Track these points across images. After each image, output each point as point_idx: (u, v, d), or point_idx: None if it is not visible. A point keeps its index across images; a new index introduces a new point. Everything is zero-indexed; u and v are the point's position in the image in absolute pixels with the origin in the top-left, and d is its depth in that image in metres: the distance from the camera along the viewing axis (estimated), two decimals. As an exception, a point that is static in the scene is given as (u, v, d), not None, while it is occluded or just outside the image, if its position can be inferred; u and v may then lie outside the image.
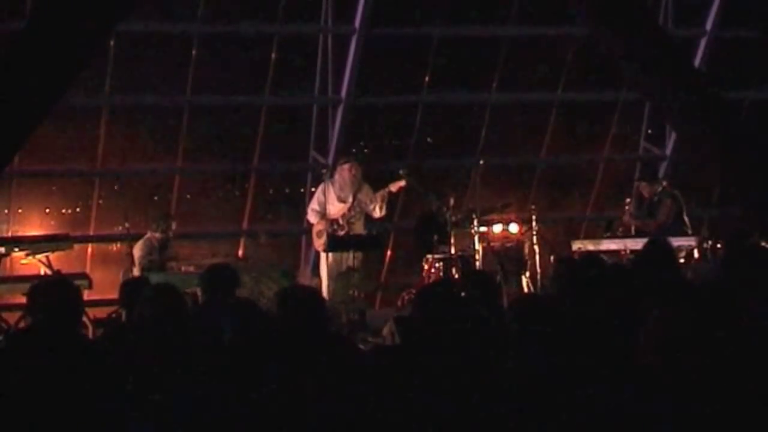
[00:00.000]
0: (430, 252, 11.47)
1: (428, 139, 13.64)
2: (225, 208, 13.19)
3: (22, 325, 9.32)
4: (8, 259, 11.01)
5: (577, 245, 11.80)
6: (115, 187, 12.64)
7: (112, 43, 11.61)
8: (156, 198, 12.86)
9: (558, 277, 6.52)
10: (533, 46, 13.46)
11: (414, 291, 9.98)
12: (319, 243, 11.72)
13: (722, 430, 3.99)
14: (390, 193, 11.69)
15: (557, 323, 4.74)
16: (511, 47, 13.24)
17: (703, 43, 13.74)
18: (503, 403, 4.39)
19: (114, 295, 8.94)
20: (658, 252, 7.19)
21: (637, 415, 4.12)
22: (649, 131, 14.22)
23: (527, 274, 11.58)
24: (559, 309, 4.99)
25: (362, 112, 13.18)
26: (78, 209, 12.68)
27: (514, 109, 13.80)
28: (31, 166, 12.03)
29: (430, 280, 10.94)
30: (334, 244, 11.38)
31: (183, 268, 11.02)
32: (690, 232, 11.70)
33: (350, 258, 11.38)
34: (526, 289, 11.41)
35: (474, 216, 11.55)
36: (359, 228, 11.72)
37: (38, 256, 10.67)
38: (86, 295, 9.30)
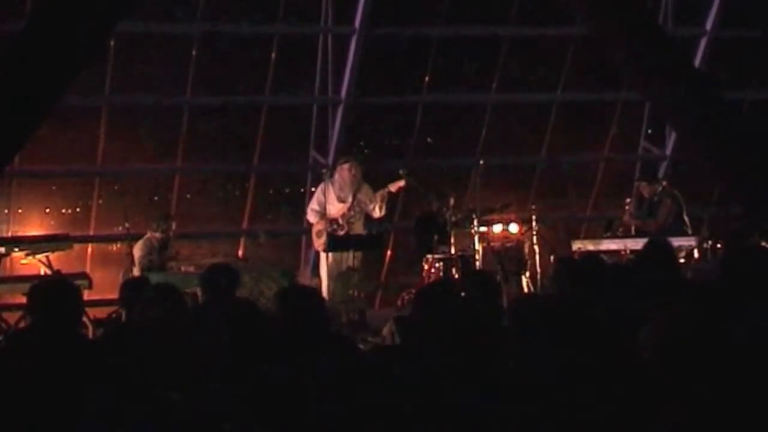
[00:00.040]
0: (430, 252, 11.47)
1: (428, 139, 13.64)
2: (225, 208, 13.19)
3: (22, 325, 9.32)
4: (8, 259, 11.01)
5: (577, 245, 11.79)
6: (115, 187, 12.63)
7: (112, 43, 11.60)
8: (156, 198, 12.86)
9: (558, 277, 6.53)
10: (533, 46, 13.46)
11: (414, 291, 9.97)
12: (319, 243, 11.72)
13: (722, 429, 3.99)
14: (390, 193, 11.69)
15: (557, 323, 4.74)
16: (511, 47, 13.24)
17: (703, 43, 13.74)
18: (503, 403, 4.39)
19: (114, 295, 8.94)
20: (658, 252, 7.19)
21: (637, 414, 4.13)
22: (649, 131, 14.22)
23: (527, 274, 11.57)
24: (559, 309, 4.99)
25: (362, 112, 13.17)
26: (78, 209, 12.68)
27: (514, 109, 13.80)
28: (31, 166, 12.02)
29: (430, 280, 10.94)
30: (334, 244, 11.38)
31: (183, 268, 11.01)
32: (690, 232, 11.70)
33: (350, 258, 11.39)
34: (526, 289, 11.41)
35: (474, 216, 11.55)
36: (359, 228, 11.72)
37: (38, 256, 10.68)
38: (86, 295, 9.30)
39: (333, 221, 11.62)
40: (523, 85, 13.64)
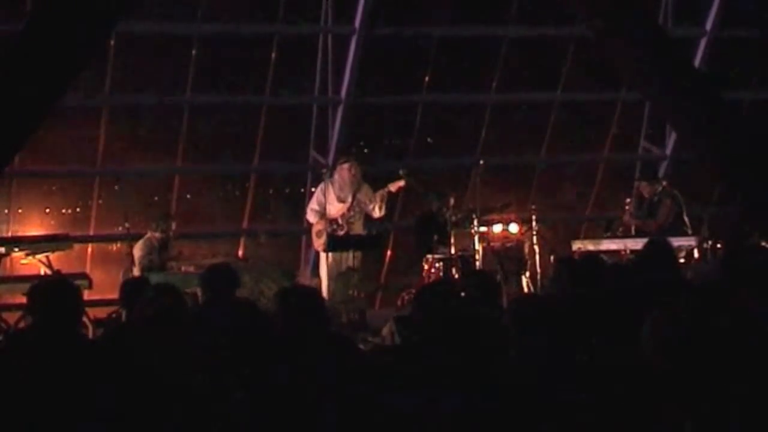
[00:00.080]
0: (430, 252, 11.47)
1: (428, 139, 13.64)
2: (225, 208, 13.19)
3: (22, 325, 9.32)
4: (8, 259, 11.01)
5: (577, 245, 11.80)
6: (115, 187, 12.63)
7: (112, 43, 11.60)
8: (156, 198, 12.86)
9: (558, 277, 6.53)
10: (533, 46, 13.46)
11: (414, 291, 9.97)
12: (318, 243, 11.72)
13: (722, 429, 3.99)
14: (389, 192, 11.69)
15: (557, 323, 4.74)
16: (511, 47, 13.23)
17: (703, 43, 13.74)
18: (503, 403, 4.39)
19: (114, 295, 8.95)
20: (658, 252, 7.19)
21: (637, 414, 4.13)
22: (650, 131, 14.22)
23: (527, 274, 11.58)
24: (559, 309, 4.99)
25: (362, 112, 13.17)
26: (78, 209, 12.68)
27: (514, 109, 13.81)
28: (31, 166, 12.02)
29: (430, 280, 10.94)
30: (334, 244, 11.38)
31: (183, 268, 11.02)
32: (690, 232, 11.70)
33: (350, 258, 11.39)
34: (526, 289, 11.41)
35: (474, 216, 11.55)
36: (359, 228, 11.72)
37: (38, 256, 10.68)
38: (86, 295, 9.29)
39: (333, 221, 11.62)
40: (523, 85, 13.64)
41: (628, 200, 12.17)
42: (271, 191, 13.60)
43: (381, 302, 13.16)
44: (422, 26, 13.03)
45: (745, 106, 14.05)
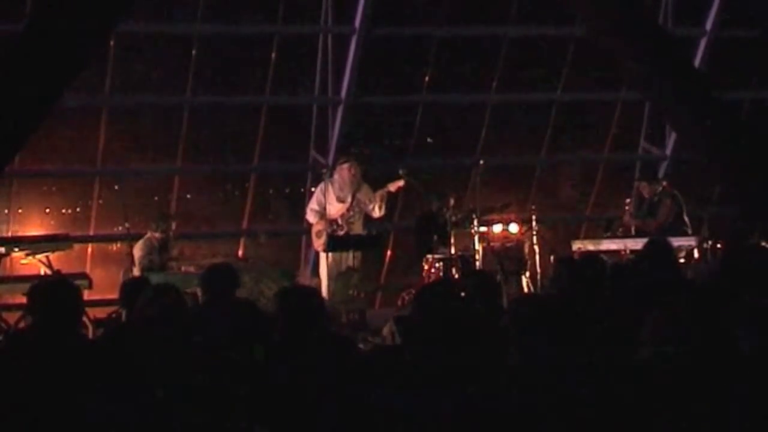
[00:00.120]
0: (430, 252, 11.47)
1: (428, 139, 13.64)
2: (225, 208, 13.20)
3: (22, 325, 9.32)
4: (8, 259, 11.01)
5: (577, 245, 11.80)
6: (115, 187, 12.62)
7: (112, 43, 11.60)
8: (156, 198, 12.86)
9: (558, 277, 6.53)
10: (533, 46, 13.46)
11: (414, 291, 9.97)
12: (318, 243, 11.72)
13: (722, 429, 3.99)
14: (389, 192, 11.70)
15: (557, 323, 4.74)
16: (511, 47, 13.23)
17: (703, 43, 13.74)
18: (503, 403, 4.39)
19: (114, 295, 8.95)
20: (658, 252, 7.19)
21: (637, 414, 4.12)
22: (649, 131, 14.21)
23: (527, 274, 11.58)
24: (559, 309, 4.99)
25: (362, 112, 13.17)
26: (78, 209, 12.68)
27: (514, 109, 13.80)
28: (31, 166, 12.03)
29: (430, 280, 10.94)
30: (334, 244, 11.38)
31: (183, 268, 11.02)
32: (690, 232, 11.70)
33: (350, 258, 11.39)
34: (526, 289, 11.41)
35: (474, 216, 11.55)
36: (358, 228, 11.72)
37: (38, 256, 10.67)
38: (86, 295, 9.28)
39: (333, 221, 11.63)
40: (523, 85, 13.64)
41: (628, 200, 12.18)
42: (271, 191, 13.61)
43: (381, 302, 13.15)
44: (422, 26, 13.03)
45: (745, 106, 14.05)
